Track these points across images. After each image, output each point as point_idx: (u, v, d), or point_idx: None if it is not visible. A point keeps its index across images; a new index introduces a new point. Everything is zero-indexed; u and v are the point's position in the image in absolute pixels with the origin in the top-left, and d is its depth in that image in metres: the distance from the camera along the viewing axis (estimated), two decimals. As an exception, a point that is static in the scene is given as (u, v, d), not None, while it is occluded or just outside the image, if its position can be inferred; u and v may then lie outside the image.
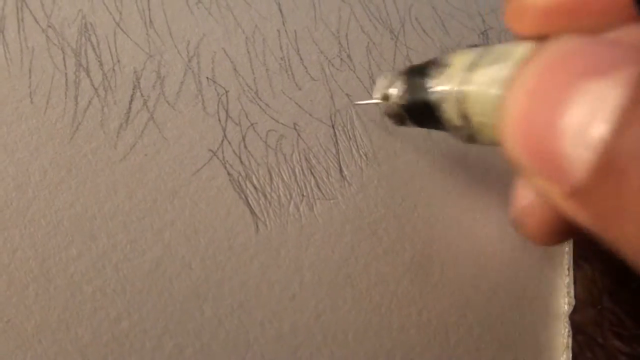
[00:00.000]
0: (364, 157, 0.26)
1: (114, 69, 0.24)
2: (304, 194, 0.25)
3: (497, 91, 0.17)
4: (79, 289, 0.21)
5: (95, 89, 0.24)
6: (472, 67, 0.18)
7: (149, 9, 0.26)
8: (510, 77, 0.15)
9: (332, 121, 0.26)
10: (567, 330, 0.26)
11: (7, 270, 0.20)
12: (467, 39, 0.31)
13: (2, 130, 0.22)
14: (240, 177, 0.24)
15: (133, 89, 0.24)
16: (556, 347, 0.26)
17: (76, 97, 0.23)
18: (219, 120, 0.25)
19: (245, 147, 0.25)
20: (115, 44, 0.25)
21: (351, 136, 0.26)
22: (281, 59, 0.27)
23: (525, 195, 0.22)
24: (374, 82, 0.28)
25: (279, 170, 0.25)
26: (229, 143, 0.24)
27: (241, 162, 0.24)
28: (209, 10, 0.27)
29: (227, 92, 0.25)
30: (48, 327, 0.20)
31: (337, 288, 0.24)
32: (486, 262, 0.26)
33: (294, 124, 0.26)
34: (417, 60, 0.29)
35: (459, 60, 0.19)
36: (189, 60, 0.26)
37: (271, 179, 0.24)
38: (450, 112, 0.19)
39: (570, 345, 0.25)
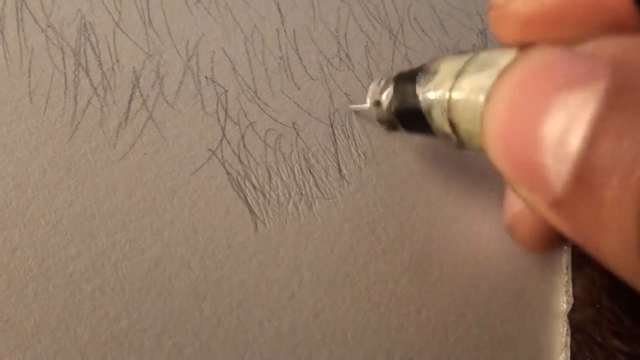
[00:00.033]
0: (362, 156, 0.26)
1: (113, 69, 0.24)
2: (303, 193, 0.25)
3: (481, 99, 0.17)
4: (78, 288, 0.21)
5: (95, 89, 0.24)
6: (459, 74, 0.18)
7: (148, 9, 0.26)
8: (491, 85, 0.15)
9: (330, 120, 0.27)
10: (565, 329, 0.26)
11: (7, 270, 0.20)
12: (466, 38, 0.31)
13: (2, 130, 0.22)
14: (239, 177, 0.24)
15: (132, 89, 0.24)
16: (555, 346, 0.26)
17: (75, 97, 0.23)
18: (218, 119, 0.25)
19: (244, 146, 0.25)
20: (115, 44, 0.25)
21: (350, 135, 0.26)
22: (280, 58, 0.27)
23: (516, 203, 0.22)
24: (371, 83, 0.28)
25: (278, 169, 0.25)
26: (228, 142, 0.25)
27: (240, 161, 0.24)
28: (208, 10, 0.27)
29: (226, 91, 0.25)
30: (47, 326, 0.20)
31: (336, 287, 0.24)
32: (485, 261, 0.26)
33: (293, 123, 0.26)
34: (415, 60, 0.29)
35: (447, 67, 0.19)
36: (188, 60, 0.26)
37: (270, 178, 0.24)
38: (438, 119, 0.19)
39: (569, 344, 0.25)
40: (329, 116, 0.27)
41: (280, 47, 0.27)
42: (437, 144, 0.27)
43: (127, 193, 0.22)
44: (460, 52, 0.20)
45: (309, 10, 0.29)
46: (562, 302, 0.26)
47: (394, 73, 0.23)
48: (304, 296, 0.23)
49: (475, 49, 0.19)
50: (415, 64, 0.29)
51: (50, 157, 0.22)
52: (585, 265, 0.27)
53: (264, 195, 0.24)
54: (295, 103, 0.26)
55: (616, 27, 0.15)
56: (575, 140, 0.12)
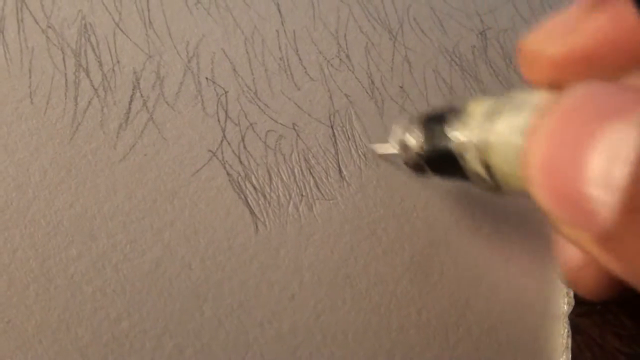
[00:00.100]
0: (363, 157, 0.26)
1: (113, 70, 0.24)
2: (303, 194, 0.25)
3: (519, 140, 0.16)
4: (79, 289, 0.21)
5: (95, 90, 0.24)
6: (492, 115, 0.18)
7: (148, 10, 0.26)
8: (531, 124, 0.15)
9: (331, 121, 0.27)
10: (566, 330, 0.26)
11: (8, 271, 0.20)
12: (466, 39, 0.31)
13: (2, 131, 0.22)
14: (239, 178, 0.24)
15: (133, 90, 0.24)
16: (555, 348, 0.26)
17: (76, 98, 0.23)
18: (219, 120, 0.25)
19: (245, 147, 0.25)
20: (115, 45, 0.25)
21: (350, 136, 0.26)
22: (280, 59, 0.27)
23: (574, 255, 0.22)
24: (373, 82, 0.28)
25: (278, 170, 0.25)
26: (229, 143, 0.25)
27: (240, 162, 0.24)
28: (208, 11, 0.27)
29: (226, 92, 0.25)
30: (48, 328, 0.20)
31: (336, 288, 0.24)
32: (485, 262, 0.26)
33: (293, 124, 0.26)
34: (415, 60, 0.30)
35: (478, 108, 0.19)
36: (189, 61, 0.26)
37: (270, 179, 0.24)
38: (472, 161, 0.19)
39: (569, 345, 0.25)
40: (329, 117, 0.27)
41: (280, 47, 0.27)
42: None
43: (127, 194, 0.22)
44: (488, 94, 0.19)
45: (309, 11, 0.29)
46: (563, 303, 0.26)
47: (418, 114, 0.23)
48: (304, 297, 0.23)
49: (504, 93, 0.19)
50: (415, 65, 0.29)
51: (51, 158, 0.22)
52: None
53: (264, 196, 0.24)
54: (296, 104, 0.26)
55: None
56: (623, 169, 0.12)
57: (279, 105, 0.26)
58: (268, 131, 0.25)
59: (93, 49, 0.24)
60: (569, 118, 0.14)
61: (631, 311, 0.26)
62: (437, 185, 0.26)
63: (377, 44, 0.29)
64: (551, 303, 0.26)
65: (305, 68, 0.27)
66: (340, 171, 0.26)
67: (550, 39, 0.17)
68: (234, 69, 0.26)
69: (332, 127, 0.26)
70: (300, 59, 0.27)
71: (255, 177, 0.24)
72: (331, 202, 0.25)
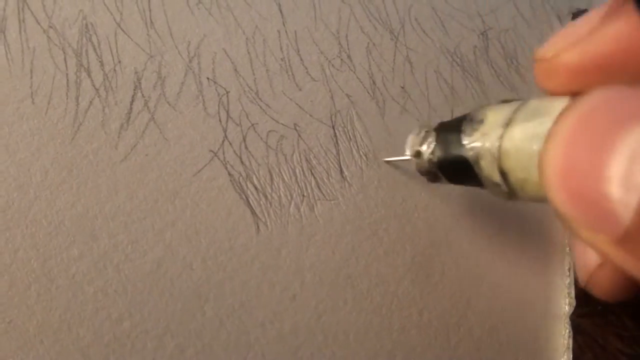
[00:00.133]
0: (364, 157, 0.26)
1: (115, 70, 0.24)
2: (305, 194, 0.25)
3: (538, 146, 0.16)
4: (81, 289, 0.21)
5: (97, 90, 0.24)
6: (509, 122, 0.18)
7: (150, 10, 0.26)
8: (548, 130, 0.15)
9: (332, 122, 0.27)
10: (567, 331, 0.26)
11: (9, 271, 0.20)
12: (467, 40, 0.31)
13: (4, 131, 0.22)
14: (241, 178, 0.24)
15: (134, 90, 0.24)
16: (557, 348, 0.26)
17: (77, 98, 0.23)
18: (220, 120, 0.25)
19: (246, 147, 0.25)
20: (116, 45, 0.25)
21: (351, 137, 0.26)
22: (281, 59, 0.27)
23: (590, 258, 0.22)
24: (374, 83, 0.28)
25: (280, 170, 0.25)
26: (230, 144, 0.24)
27: (242, 162, 0.24)
28: (209, 11, 0.27)
29: (227, 92, 0.25)
30: (50, 328, 0.20)
31: (337, 289, 0.24)
32: (487, 262, 0.26)
33: (295, 124, 0.26)
34: (416, 61, 0.30)
35: (494, 116, 0.19)
36: (190, 61, 0.26)
37: (272, 179, 0.24)
38: (488, 169, 0.19)
39: (570, 346, 0.25)
40: (331, 117, 0.27)
41: (281, 48, 0.27)
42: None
43: (129, 194, 0.22)
44: (505, 101, 0.19)
45: (310, 11, 0.29)
46: (564, 304, 0.26)
47: (433, 123, 0.23)
48: (305, 298, 0.23)
49: (521, 99, 0.19)
50: (417, 65, 0.29)
51: (52, 158, 0.22)
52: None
53: (265, 196, 0.24)
54: (297, 104, 0.26)
55: None
56: None
57: (281, 106, 0.26)
58: (269, 131, 0.25)
59: (94, 49, 0.24)
60: (587, 121, 0.14)
61: (633, 312, 0.26)
62: (439, 186, 0.26)
63: (379, 45, 0.29)
64: (552, 303, 0.26)
65: (306, 68, 0.27)
66: (341, 171, 0.26)
67: (566, 47, 0.17)
68: (236, 69, 0.26)
69: (333, 127, 0.26)
70: (301, 59, 0.27)
71: (256, 177, 0.24)
72: (332, 202, 0.25)
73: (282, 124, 0.26)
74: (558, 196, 0.15)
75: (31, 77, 0.23)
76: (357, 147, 0.26)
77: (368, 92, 0.28)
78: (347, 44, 0.29)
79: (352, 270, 0.24)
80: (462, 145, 0.20)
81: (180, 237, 0.22)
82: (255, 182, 0.24)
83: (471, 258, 0.26)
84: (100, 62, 0.24)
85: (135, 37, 0.25)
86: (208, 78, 0.25)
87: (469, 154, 0.20)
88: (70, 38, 0.24)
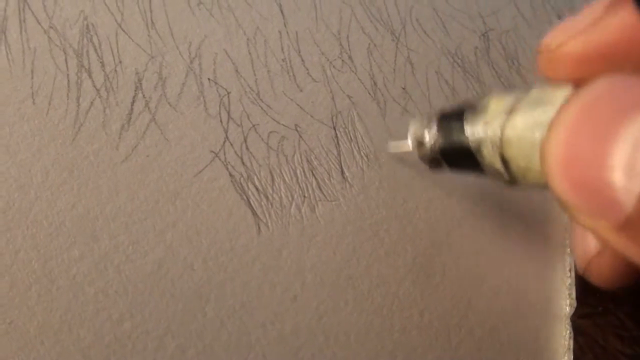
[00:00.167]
0: (365, 158, 0.26)
1: (115, 70, 0.24)
2: (306, 195, 0.25)
3: (540, 135, 0.16)
4: (81, 290, 0.21)
5: (97, 90, 0.24)
6: (512, 110, 0.18)
7: (151, 10, 0.26)
8: (551, 118, 0.15)
9: (333, 122, 0.27)
10: (568, 332, 0.26)
11: (10, 272, 0.20)
12: (468, 41, 0.31)
13: (4, 131, 0.22)
14: (242, 179, 0.24)
15: (135, 90, 0.24)
16: (557, 349, 0.26)
17: (78, 98, 0.23)
18: (221, 121, 0.25)
19: (247, 148, 0.25)
20: (117, 45, 0.25)
21: (352, 137, 0.26)
22: (282, 60, 0.27)
23: (589, 244, 0.22)
24: (375, 84, 0.28)
25: (281, 171, 0.25)
26: (231, 144, 0.24)
27: (243, 163, 0.24)
28: (210, 12, 0.27)
29: (228, 93, 0.25)
30: (50, 328, 0.20)
31: (338, 289, 0.24)
32: (488, 263, 0.26)
33: (296, 125, 0.26)
34: (417, 62, 0.29)
35: (497, 104, 0.19)
36: (191, 62, 0.26)
37: (273, 180, 0.24)
38: (490, 156, 0.19)
39: (571, 347, 0.25)
40: (332, 118, 0.27)
41: (282, 48, 0.27)
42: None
43: (129, 195, 0.22)
44: (508, 90, 0.20)
45: (312, 12, 0.29)
46: (565, 305, 0.26)
47: (436, 111, 0.23)
48: (306, 298, 0.23)
49: (524, 89, 0.19)
50: (418, 66, 0.29)
51: (53, 158, 0.22)
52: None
53: (266, 197, 0.24)
54: (298, 105, 0.26)
55: None
56: None
57: (282, 107, 0.26)
58: (270, 132, 0.25)
59: (95, 50, 0.24)
60: (591, 109, 0.14)
61: (633, 312, 0.26)
62: (439, 186, 0.26)
63: (380, 45, 0.29)
64: (553, 304, 0.26)
65: (307, 69, 0.27)
66: (342, 172, 0.26)
67: (571, 36, 0.17)
68: (237, 70, 0.26)
69: (334, 128, 0.26)
70: (302, 60, 0.27)
71: (257, 178, 0.24)
72: (333, 203, 0.25)
73: (283, 125, 0.26)
74: (560, 184, 0.15)
75: (32, 78, 0.23)
76: (358, 147, 0.26)
77: (369, 93, 0.28)
78: (348, 45, 0.29)
79: (353, 271, 0.24)
80: (465, 134, 0.20)
81: (181, 238, 0.22)
82: (257, 182, 0.24)
83: (472, 259, 0.26)
84: (101, 62, 0.24)
85: (136, 38, 0.25)
86: (209, 79, 0.25)
87: (471, 142, 0.20)
88: (71, 38, 0.24)
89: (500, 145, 0.18)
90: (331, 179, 0.25)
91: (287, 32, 0.28)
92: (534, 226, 0.28)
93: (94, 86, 0.24)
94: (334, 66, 0.28)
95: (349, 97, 0.27)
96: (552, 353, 0.26)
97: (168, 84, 0.25)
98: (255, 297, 0.22)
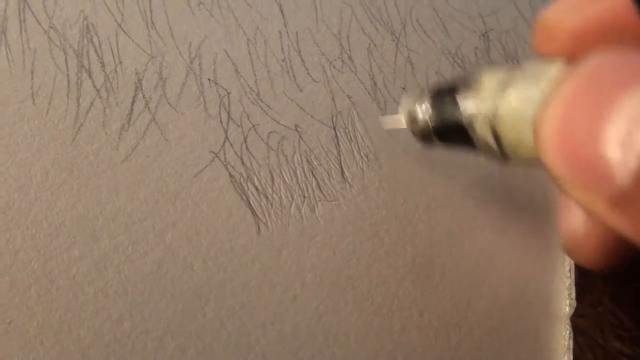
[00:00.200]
0: (365, 158, 0.26)
1: (116, 71, 0.24)
2: (306, 195, 0.25)
3: (533, 110, 0.16)
4: (81, 290, 0.21)
5: (98, 91, 0.24)
6: (504, 86, 0.18)
7: (151, 11, 0.26)
8: (547, 94, 0.15)
9: (333, 123, 0.27)
10: (568, 332, 0.26)
11: (10, 272, 0.20)
12: (469, 41, 0.31)
13: (5, 132, 0.22)
14: (242, 179, 0.24)
15: (135, 91, 0.24)
16: (557, 349, 0.26)
17: (78, 99, 0.23)
18: (221, 122, 0.25)
19: (247, 148, 0.25)
20: (118, 46, 0.25)
21: (353, 138, 0.26)
22: (283, 60, 0.27)
23: (575, 220, 0.22)
24: (375, 84, 0.28)
25: (281, 171, 0.25)
26: (231, 145, 0.24)
27: (243, 163, 0.24)
28: (210, 12, 0.27)
29: (229, 93, 0.25)
30: (50, 329, 0.20)
31: (338, 290, 0.24)
32: (487, 264, 0.26)
33: (296, 125, 0.26)
34: (418, 62, 0.29)
35: (489, 80, 0.19)
36: (191, 62, 0.26)
37: (273, 180, 0.24)
38: (482, 132, 0.19)
39: (571, 347, 0.25)
40: (332, 119, 0.27)
41: (283, 49, 0.27)
42: (438, 146, 0.27)
43: (130, 195, 0.22)
44: (501, 65, 0.20)
45: (312, 13, 0.29)
46: (565, 305, 0.26)
47: (429, 86, 0.23)
48: (306, 299, 0.23)
49: (516, 64, 0.19)
50: (418, 67, 0.29)
51: (53, 159, 0.22)
52: (587, 267, 0.27)
53: (266, 197, 0.24)
54: (298, 105, 0.26)
55: None
56: None
57: (282, 107, 0.26)
58: (270, 133, 0.25)
59: (95, 50, 0.24)
60: (588, 83, 0.14)
61: (633, 313, 0.26)
62: (439, 186, 0.26)
63: (380, 46, 0.29)
64: (553, 304, 0.26)
65: (308, 69, 0.27)
66: (342, 173, 0.26)
67: (569, 11, 0.18)
68: (237, 70, 0.26)
69: (334, 128, 0.26)
70: (303, 61, 0.27)
71: (257, 178, 0.24)
72: (334, 203, 0.25)
73: (284, 125, 0.26)
74: (555, 158, 0.15)
75: (32, 78, 0.23)
76: (359, 148, 0.26)
77: (369, 94, 0.28)
78: (349, 45, 0.29)
79: (353, 271, 0.24)
80: (458, 109, 0.20)
81: (181, 238, 0.22)
82: (257, 183, 0.24)
83: (472, 259, 0.26)
84: (101, 63, 0.24)
85: (137, 38, 0.25)
86: (209, 79, 0.25)
87: (464, 118, 0.20)
88: (71, 39, 0.24)
89: (493, 121, 0.18)
90: (331, 179, 0.25)
91: (288, 33, 0.28)
92: (534, 227, 0.28)
93: (94, 86, 0.24)
94: (334, 66, 0.28)
95: (349, 97, 0.27)
96: (552, 353, 0.26)
97: (168, 85, 0.25)
98: (255, 298, 0.22)
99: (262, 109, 0.26)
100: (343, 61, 0.28)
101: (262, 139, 0.25)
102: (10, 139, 0.22)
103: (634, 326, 0.25)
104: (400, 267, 0.25)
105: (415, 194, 0.26)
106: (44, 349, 0.20)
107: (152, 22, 0.26)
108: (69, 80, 0.23)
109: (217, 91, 0.25)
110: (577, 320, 0.26)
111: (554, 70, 0.17)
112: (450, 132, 0.21)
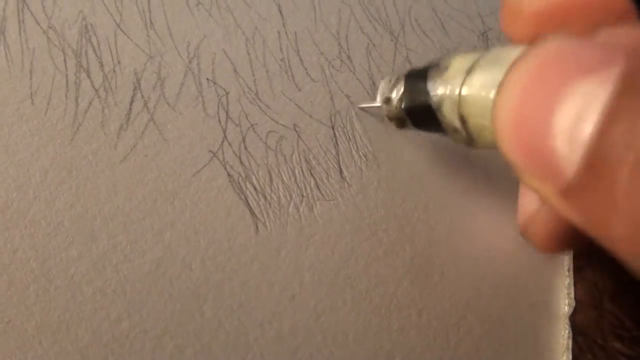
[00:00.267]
0: (363, 158, 0.26)
1: (114, 70, 0.24)
2: (304, 194, 0.25)
3: (491, 94, 0.17)
4: (80, 289, 0.21)
5: (96, 90, 0.24)
6: (470, 70, 0.18)
7: (150, 10, 0.26)
8: (503, 78, 0.15)
9: (332, 122, 0.27)
10: (567, 331, 0.26)
11: (8, 271, 0.20)
12: (467, 40, 0.31)
13: (3, 131, 0.22)
14: (240, 178, 0.24)
15: (133, 90, 0.24)
16: (556, 349, 0.26)
17: (77, 98, 0.23)
18: (219, 121, 0.25)
19: (246, 148, 0.25)
20: (116, 45, 0.25)
21: (351, 137, 0.26)
22: (281, 60, 0.27)
23: (530, 203, 0.22)
24: (374, 84, 0.28)
25: (279, 171, 0.25)
26: (229, 144, 0.25)
27: (241, 163, 0.24)
28: (209, 12, 0.27)
29: (227, 93, 0.25)
30: (48, 328, 0.20)
31: (336, 289, 0.24)
32: (486, 263, 0.26)
33: (294, 125, 0.26)
34: (417, 62, 0.29)
35: (458, 63, 0.19)
36: (189, 62, 0.26)
37: (271, 179, 0.24)
38: (449, 114, 0.19)
39: (570, 346, 0.25)
40: (330, 118, 0.27)
41: (281, 48, 0.27)
42: (438, 146, 0.27)
43: (128, 195, 0.22)
44: (472, 50, 0.20)
45: (310, 12, 0.29)
46: (564, 304, 0.26)
47: (405, 70, 0.23)
48: (304, 298, 0.23)
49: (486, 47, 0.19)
50: (417, 66, 0.29)
51: (52, 158, 0.22)
52: (586, 267, 0.27)
53: (265, 197, 0.24)
54: (296, 105, 0.26)
55: (622, 21, 0.16)
56: (589, 125, 0.12)
57: (280, 106, 0.26)
58: (269, 132, 0.25)
59: (94, 50, 0.24)
60: (539, 72, 0.14)
61: (632, 313, 0.26)
62: (437, 186, 0.26)
63: (379, 45, 0.29)
64: (552, 304, 0.26)
65: (306, 69, 0.27)
66: (341, 172, 0.26)
67: None
68: (235, 70, 0.26)
69: (333, 127, 0.26)
70: (301, 60, 0.27)
71: (255, 177, 0.24)
72: (332, 202, 0.25)
73: (282, 125, 0.26)
74: (508, 144, 0.15)
75: (31, 78, 0.23)
76: (357, 147, 0.26)
77: (368, 93, 0.28)
78: (347, 45, 0.29)
79: (351, 271, 0.24)
80: (427, 92, 0.20)
81: (179, 238, 0.22)
82: (255, 182, 0.24)
83: (471, 259, 0.26)
84: (99, 62, 0.24)
85: (135, 38, 0.25)
86: (208, 79, 0.25)
87: (433, 100, 0.20)
88: (69, 39, 0.24)
89: (458, 103, 0.19)
90: (329, 178, 0.25)
91: (286, 32, 0.28)
92: (533, 226, 0.28)
93: (93, 86, 0.24)
94: (332, 66, 0.28)
95: (348, 96, 0.27)
96: (551, 353, 0.25)
97: (167, 84, 0.25)
98: (253, 297, 0.22)
99: (260, 108, 0.26)
100: (341, 60, 0.28)
101: (261, 138, 0.25)
102: (8, 138, 0.22)
103: (633, 326, 0.25)
104: (398, 266, 0.25)
105: (414, 193, 0.26)
106: (42, 348, 0.20)
107: (151, 22, 0.26)
108: (67, 80, 0.23)
109: (216, 91, 0.25)
110: (576, 320, 0.26)
111: (514, 54, 0.17)
112: (421, 115, 0.21)
